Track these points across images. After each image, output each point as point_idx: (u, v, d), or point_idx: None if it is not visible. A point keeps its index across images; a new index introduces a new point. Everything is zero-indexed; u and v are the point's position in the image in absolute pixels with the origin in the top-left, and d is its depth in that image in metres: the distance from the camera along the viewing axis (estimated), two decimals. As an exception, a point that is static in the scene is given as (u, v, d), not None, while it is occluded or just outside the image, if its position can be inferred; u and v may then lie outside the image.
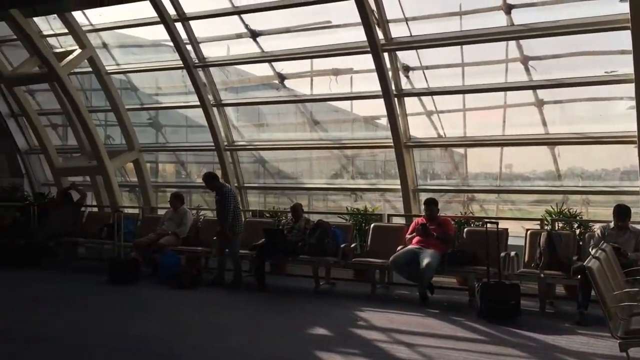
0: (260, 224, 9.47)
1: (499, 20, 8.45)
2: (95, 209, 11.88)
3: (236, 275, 8.74)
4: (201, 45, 10.36)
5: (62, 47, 11.60)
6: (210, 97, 10.68)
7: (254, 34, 9.92)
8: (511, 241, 7.88)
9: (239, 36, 10.12)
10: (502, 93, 9.27)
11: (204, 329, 6.52)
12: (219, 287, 8.62)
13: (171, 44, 10.28)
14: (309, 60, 10.31)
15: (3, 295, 8.29)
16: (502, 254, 7.28)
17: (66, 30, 11.01)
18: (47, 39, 11.52)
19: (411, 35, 8.97)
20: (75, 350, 5.76)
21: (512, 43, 8.66)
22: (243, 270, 8.84)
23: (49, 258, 10.55)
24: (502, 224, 7.66)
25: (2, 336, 6.19)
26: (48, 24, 11.43)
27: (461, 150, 10.32)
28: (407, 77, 9.37)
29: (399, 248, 7.87)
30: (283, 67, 10.35)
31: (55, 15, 10.74)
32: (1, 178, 13.27)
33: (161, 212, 10.97)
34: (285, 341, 6.05)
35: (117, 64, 11.48)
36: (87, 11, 10.63)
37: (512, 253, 7.57)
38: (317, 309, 7.48)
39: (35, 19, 10.95)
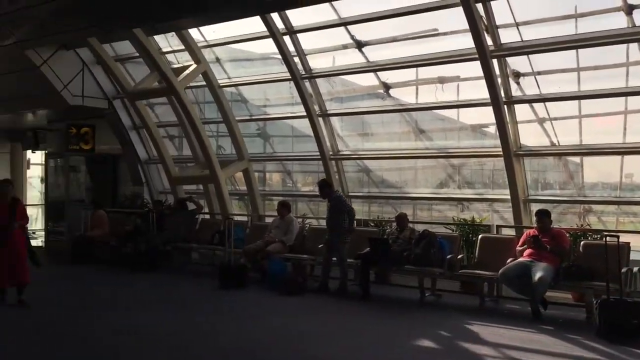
0: (365, 232, 9.48)
1: (619, 21, 7.96)
2: (208, 216, 12.43)
3: (342, 283, 8.81)
4: (308, 57, 10.60)
5: (179, 63, 12.31)
6: (316, 107, 10.88)
7: (360, 45, 10.00)
8: (633, 256, 7.36)
9: (344, 47, 10.25)
10: (622, 98, 8.70)
11: (309, 335, 6.63)
12: (324, 295, 8.73)
13: (279, 56, 10.60)
14: (414, 69, 10.24)
15: (126, 297, 8.90)
16: (624, 270, 6.81)
17: (183, 47, 11.67)
18: (166, 55, 12.27)
19: (522, 40, 8.66)
20: (173, 349, 6.07)
21: (634, 45, 8.12)
22: (348, 279, 8.90)
23: (165, 262, 11.20)
24: (623, 238, 7.20)
25: (127, 333, 6.65)
26: (167, 42, 12.18)
27: (576, 159, 9.78)
28: (518, 83, 9.04)
29: (509, 260, 7.60)
30: (388, 76, 10.34)
31: (173, 33, 11.43)
32: (124, 186, 14.26)
33: (269, 219, 11.29)
34: (390, 351, 6.01)
35: (229, 78, 12.00)
36: (201, 28, 11.22)
37: (635, 269, 7.07)
38: (422, 320, 7.38)
39: (155, 37, 11.71)
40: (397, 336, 6.62)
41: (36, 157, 17.79)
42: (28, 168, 18.14)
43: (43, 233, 15.01)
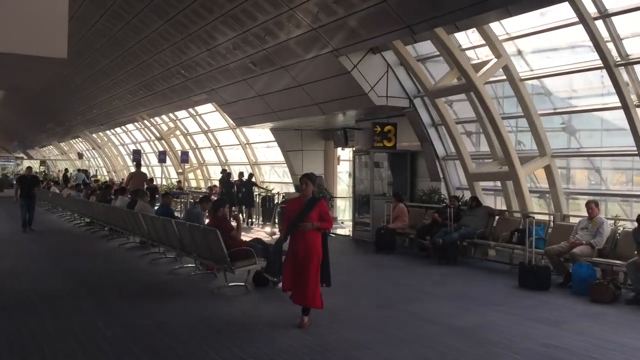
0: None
1: None
2: (506, 214, 12.11)
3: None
4: (624, 42, 9.52)
5: (478, 59, 12.23)
6: (634, 97, 9.72)
7: (692, 22, 8.62)
8: None
9: (672, 26, 8.95)
10: None
11: (631, 349, 5.99)
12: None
13: (589, 43, 9.74)
14: None
15: (427, 288, 9.23)
16: None
17: (483, 42, 11.57)
18: (466, 52, 12.30)
19: None
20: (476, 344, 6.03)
21: None
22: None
23: (462, 257, 11.30)
24: None
25: (426, 322, 6.93)
26: (467, 38, 12.21)
27: None
28: None
29: None
30: None
31: (474, 29, 11.40)
32: (422, 181, 14.80)
33: (573, 220, 10.54)
34: None
35: (531, 70, 11.48)
36: (503, 21, 10.93)
37: None
38: None
39: (455, 34, 11.84)
40: None
41: (345, 154, 19.69)
42: (338, 164, 20.19)
43: (351, 224, 16.45)
